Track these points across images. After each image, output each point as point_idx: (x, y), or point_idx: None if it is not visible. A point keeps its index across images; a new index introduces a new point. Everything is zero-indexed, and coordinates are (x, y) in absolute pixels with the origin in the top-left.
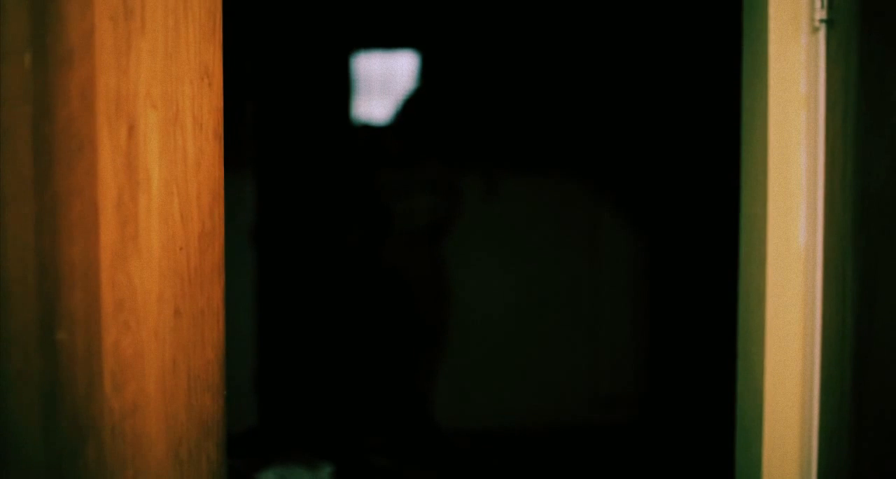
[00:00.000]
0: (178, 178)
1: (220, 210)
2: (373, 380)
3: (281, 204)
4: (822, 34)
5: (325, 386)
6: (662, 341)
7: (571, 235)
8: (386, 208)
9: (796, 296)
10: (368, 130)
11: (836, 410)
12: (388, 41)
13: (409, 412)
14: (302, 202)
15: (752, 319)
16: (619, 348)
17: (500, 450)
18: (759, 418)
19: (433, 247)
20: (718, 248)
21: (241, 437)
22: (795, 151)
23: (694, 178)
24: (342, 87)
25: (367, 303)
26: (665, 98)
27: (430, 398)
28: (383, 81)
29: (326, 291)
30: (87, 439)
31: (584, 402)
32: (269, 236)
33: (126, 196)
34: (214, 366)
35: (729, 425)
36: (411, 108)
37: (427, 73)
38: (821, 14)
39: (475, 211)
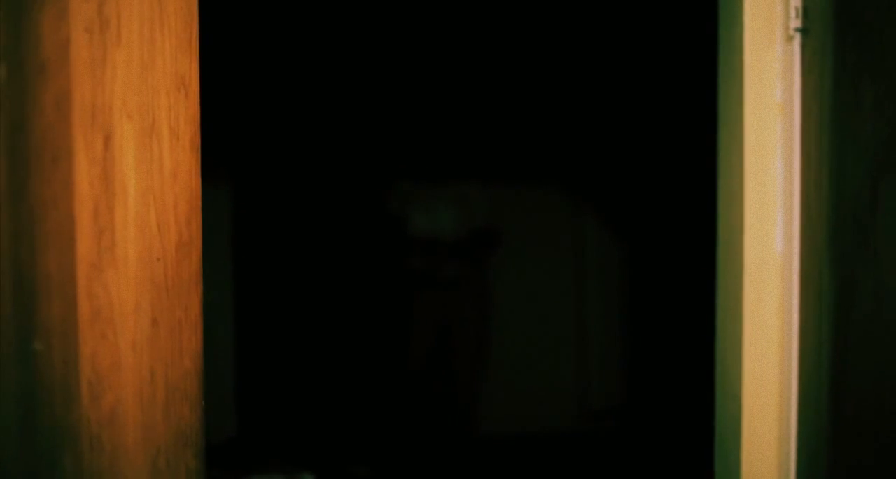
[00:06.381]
0: (154, 188)
1: (197, 220)
2: (353, 390)
3: (260, 213)
4: (796, 43)
5: (304, 397)
6: (645, 353)
7: (559, 253)
8: (367, 220)
9: (773, 303)
10: (349, 143)
11: (814, 415)
12: (369, 56)
13: (398, 422)
14: (279, 211)
15: (729, 326)
16: (606, 360)
17: (490, 456)
18: (738, 424)
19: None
20: (701, 264)
21: (220, 448)
22: (772, 159)
23: (675, 195)
24: (322, 103)
25: (346, 314)
26: (644, 112)
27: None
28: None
29: (305, 301)
30: (65, 449)
31: (573, 413)
32: (247, 245)
33: (102, 207)
34: (192, 376)
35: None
36: (388, 123)
37: (405, 88)
38: (795, 23)
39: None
